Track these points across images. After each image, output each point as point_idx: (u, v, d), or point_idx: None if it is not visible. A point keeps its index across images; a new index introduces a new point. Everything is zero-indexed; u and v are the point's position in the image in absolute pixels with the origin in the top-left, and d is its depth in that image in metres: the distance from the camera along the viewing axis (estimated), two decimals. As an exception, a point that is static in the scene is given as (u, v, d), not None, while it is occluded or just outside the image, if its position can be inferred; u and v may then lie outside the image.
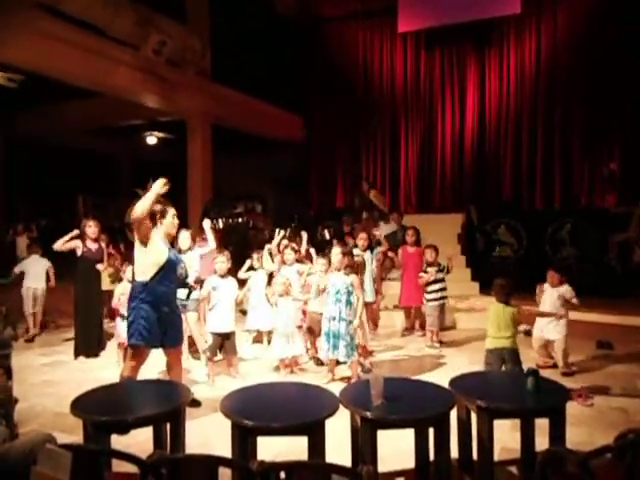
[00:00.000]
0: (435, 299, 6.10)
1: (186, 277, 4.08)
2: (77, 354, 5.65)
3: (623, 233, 8.61)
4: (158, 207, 3.79)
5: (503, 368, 4.08)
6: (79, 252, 5.68)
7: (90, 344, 5.65)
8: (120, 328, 5.49)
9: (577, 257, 8.67)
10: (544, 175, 10.53)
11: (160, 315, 3.69)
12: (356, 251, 6.00)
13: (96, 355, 5.68)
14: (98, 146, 14.26)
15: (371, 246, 6.40)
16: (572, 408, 3.58)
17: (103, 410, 2.81)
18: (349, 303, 4.68)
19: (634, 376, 4.94)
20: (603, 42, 9.79)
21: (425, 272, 6.15)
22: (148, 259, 3.68)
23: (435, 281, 6.11)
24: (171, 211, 3.86)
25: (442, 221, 9.45)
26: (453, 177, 11.47)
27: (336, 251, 4.74)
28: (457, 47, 11.41)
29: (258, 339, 6.19)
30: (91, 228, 5.68)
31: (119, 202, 13.19)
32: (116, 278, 6.02)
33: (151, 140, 14.30)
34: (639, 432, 2.17)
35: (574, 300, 5.00)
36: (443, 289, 6.16)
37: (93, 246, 5.71)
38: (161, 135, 14.13)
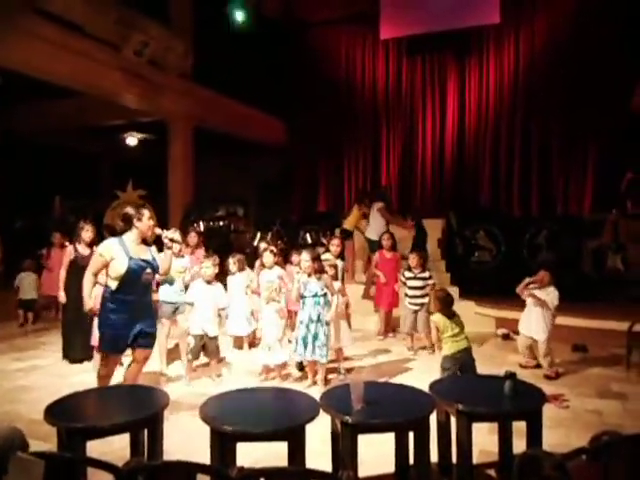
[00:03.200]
0: (409, 303, 6.13)
1: (150, 283, 4.00)
2: (65, 357, 5.66)
3: (597, 239, 8.79)
4: (131, 210, 3.85)
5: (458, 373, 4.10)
6: (71, 256, 5.60)
7: (76, 350, 5.58)
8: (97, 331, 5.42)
9: (554, 262, 8.80)
10: (521, 182, 10.72)
11: (131, 321, 3.77)
12: (327, 256, 5.85)
13: (82, 361, 5.59)
14: (77, 146, 14.04)
15: (342, 254, 6.37)
16: (549, 410, 3.63)
17: (78, 417, 2.76)
18: (327, 304, 4.75)
19: (608, 378, 5.04)
20: (580, 52, 10.01)
21: (403, 276, 6.21)
22: (110, 271, 3.74)
23: (413, 287, 6.14)
24: (146, 213, 3.85)
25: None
26: (433, 183, 11.60)
27: (305, 257, 4.77)
28: (438, 55, 11.56)
29: (238, 344, 6.15)
30: (88, 232, 5.51)
31: (98, 204, 13.01)
32: None
33: (131, 141, 14.13)
34: (613, 434, 2.21)
35: (550, 306, 5.07)
36: (421, 296, 6.09)
37: (86, 251, 5.50)
38: (142, 136, 13.98)
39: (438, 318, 4.13)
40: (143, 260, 3.77)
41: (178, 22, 10.37)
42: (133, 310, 3.77)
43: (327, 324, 4.74)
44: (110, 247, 3.75)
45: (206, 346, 4.89)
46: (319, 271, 4.77)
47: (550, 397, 4.15)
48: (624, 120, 9.55)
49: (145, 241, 3.91)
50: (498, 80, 11.08)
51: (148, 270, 3.80)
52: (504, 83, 11.02)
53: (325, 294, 4.74)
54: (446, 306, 4.13)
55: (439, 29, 10.82)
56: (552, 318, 5.13)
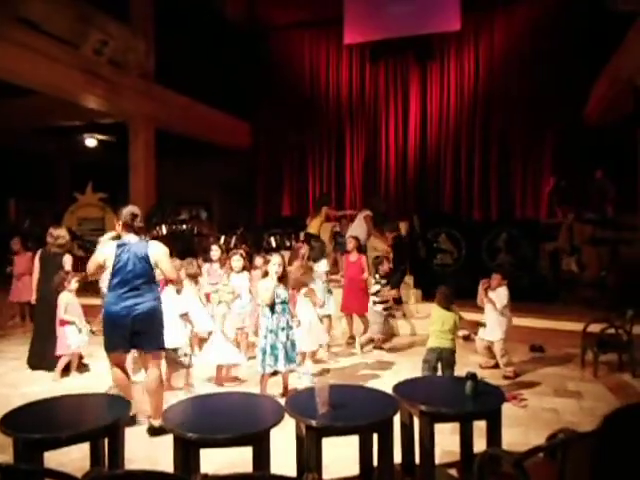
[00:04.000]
0: (383, 308, 6.14)
1: None
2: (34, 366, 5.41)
3: (553, 243, 9.10)
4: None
5: (439, 366, 4.29)
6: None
7: (48, 357, 5.36)
8: (69, 339, 5.17)
9: (512, 265, 9.06)
10: (481, 187, 11.02)
11: None
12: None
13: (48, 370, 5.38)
14: (33, 147, 13.58)
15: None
16: (507, 409, 3.72)
17: (35, 427, 2.66)
18: (286, 311, 4.63)
19: (564, 377, 5.21)
20: (537, 59, 10.38)
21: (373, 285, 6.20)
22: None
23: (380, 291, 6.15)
24: None
25: (386, 229, 9.63)
26: (397, 187, 11.78)
27: (275, 261, 4.67)
28: (401, 60, 11.75)
29: (199, 344, 6.05)
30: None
31: (56, 206, 12.62)
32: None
33: (90, 142, 13.76)
34: (569, 432, 2.29)
35: (498, 306, 5.21)
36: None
37: None
38: (102, 137, 13.64)
39: (434, 310, 4.45)
40: None
41: (139, 22, 10.18)
42: None
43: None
44: None
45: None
46: (285, 276, 4.73)
47: (509, 396, 4.26)
48: (578, 129, 9.94)
49: None
50: (459, 85, 11.37)
51: None
52: (464, 89, 11.31)
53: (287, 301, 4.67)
54: (444, 299, 4.42)
55: (401, 35, 11.03)
56: (507, 320, 5.28)
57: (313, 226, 8.71)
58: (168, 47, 10.48)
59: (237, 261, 5.62)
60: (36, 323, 5.58)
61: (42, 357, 5.38)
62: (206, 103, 11.35)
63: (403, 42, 11.19)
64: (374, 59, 11.87)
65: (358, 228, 8.01)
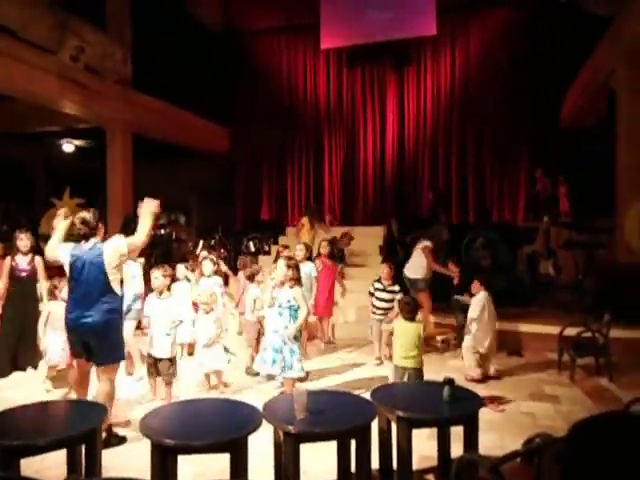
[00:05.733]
0: (374, 313, 5.98)
1: None
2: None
3: (530, 246, 9.22)
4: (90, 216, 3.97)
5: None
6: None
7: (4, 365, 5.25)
8: (52, 348, 5.03)
9: (489, 268, 9.15)
10: (459, 191, 11.14)
11: None
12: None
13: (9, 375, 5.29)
14: (9, 152, 13.33)
15: (310, 257, 6.34)
16: (485, 414, 3.76)
17: (11, 434, 2.62)
18: (293, 316, 4.51)
19: (541, 381, 5.28)
20: (512, 64, 10.55)
21: (372, 286, 6.05)
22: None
23: (380, 298, 5.96)
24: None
25: (365, 233, 9.69)
26: (375, 191, 11.83)
27: (281, 263, 4.57)
28: (378, 65, 11.82)
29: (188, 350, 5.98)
30: (22, 241, 5.32)
31: (32, 212, 12.39)
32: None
33: (68, 147, 13.57)
34: (545, 436, 2.33)
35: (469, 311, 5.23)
36: (386, 308, 5.88)
37: (24, 260, 5.33)
38: (79, 143, 13.46)
39: (396, 323, 4.34)
40: None
41: (115, 28, 10.08)
42: None
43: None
44: None
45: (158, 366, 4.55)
46: (294, 279, 4.62)
47: (487, 401, 4.30)
48: (554, 132, 10.13)
49: None
50: (435, 90, 11.48)
51: None
52: (441, 93, 11.43)
53: (291, 305, 4.57)
54: (407, 309, 4.26)
55: (378, 40, 11.10)
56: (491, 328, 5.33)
57: (305, 237, 8.35)
58: (145, 53, 10.38)
59: (207, 266, 5.61)
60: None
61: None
62: (184, 108, 11.29)
63: (380, 47, 11.26)
64: (351, 64, 11.93)
65: (418, 259, 7.15)
